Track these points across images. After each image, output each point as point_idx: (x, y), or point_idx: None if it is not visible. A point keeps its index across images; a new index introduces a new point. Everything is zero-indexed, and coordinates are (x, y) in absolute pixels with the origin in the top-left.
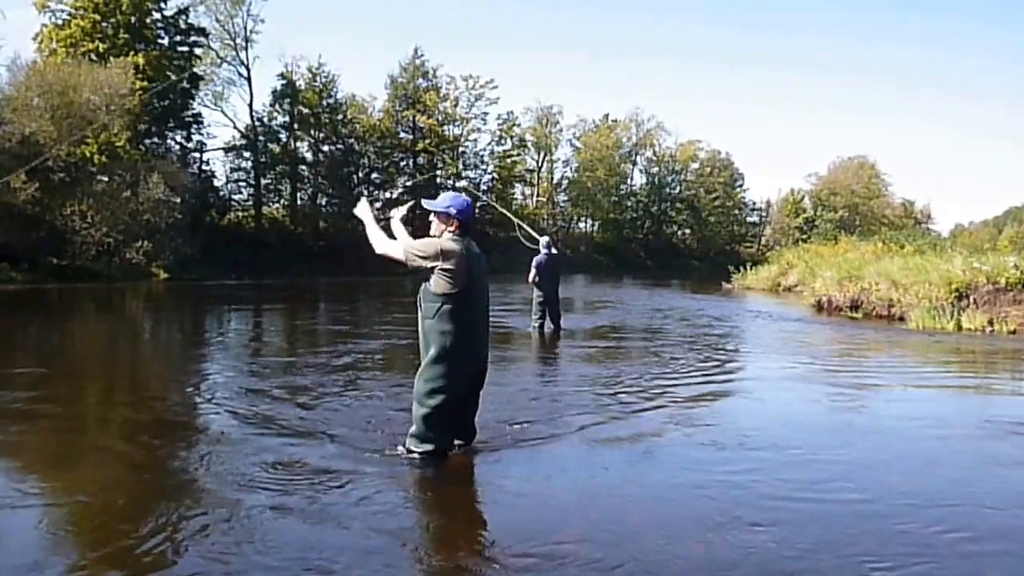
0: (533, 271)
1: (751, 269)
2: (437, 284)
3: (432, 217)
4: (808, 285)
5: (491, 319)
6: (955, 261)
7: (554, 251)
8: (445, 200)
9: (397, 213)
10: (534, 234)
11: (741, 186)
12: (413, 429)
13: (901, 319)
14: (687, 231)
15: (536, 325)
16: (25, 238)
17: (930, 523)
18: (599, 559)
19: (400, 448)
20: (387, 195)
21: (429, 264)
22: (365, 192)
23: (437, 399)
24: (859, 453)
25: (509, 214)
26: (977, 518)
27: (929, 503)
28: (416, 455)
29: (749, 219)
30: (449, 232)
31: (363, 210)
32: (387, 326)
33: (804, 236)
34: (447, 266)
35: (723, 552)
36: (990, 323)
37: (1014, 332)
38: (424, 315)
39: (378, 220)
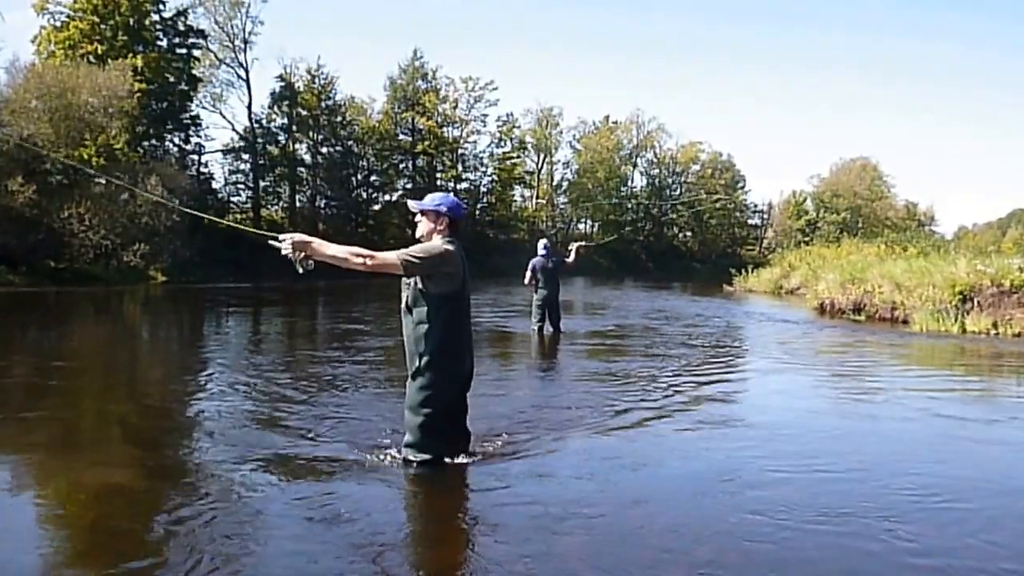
0: (528, 274)
1: (753, 271)
2: (438, 286)
3: (419, 217)
4: (810, 288)
5: (492, 321)
6: (959, 263)
7: (577, 251)
8: (435, 199)
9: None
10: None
11: (743, 188)
12: (409, 438)
13: (904, 322)
14: (688, 233)
15: (536, 327)
16: (23, 241)
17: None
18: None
19: (400, 456)
20: (386, 198)
21: (433, 269)
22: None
23: (432, 406)
24: (847, 438)
25: None
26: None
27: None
28: (415, 463)
29: (751, 221)
30: (439, 232)
31: (300, 238)
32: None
33: (806, 238)
34: (449, 269)
35: (724, 522)
36: (994, 326)
37: (1019, 335)
38: (416, 320)
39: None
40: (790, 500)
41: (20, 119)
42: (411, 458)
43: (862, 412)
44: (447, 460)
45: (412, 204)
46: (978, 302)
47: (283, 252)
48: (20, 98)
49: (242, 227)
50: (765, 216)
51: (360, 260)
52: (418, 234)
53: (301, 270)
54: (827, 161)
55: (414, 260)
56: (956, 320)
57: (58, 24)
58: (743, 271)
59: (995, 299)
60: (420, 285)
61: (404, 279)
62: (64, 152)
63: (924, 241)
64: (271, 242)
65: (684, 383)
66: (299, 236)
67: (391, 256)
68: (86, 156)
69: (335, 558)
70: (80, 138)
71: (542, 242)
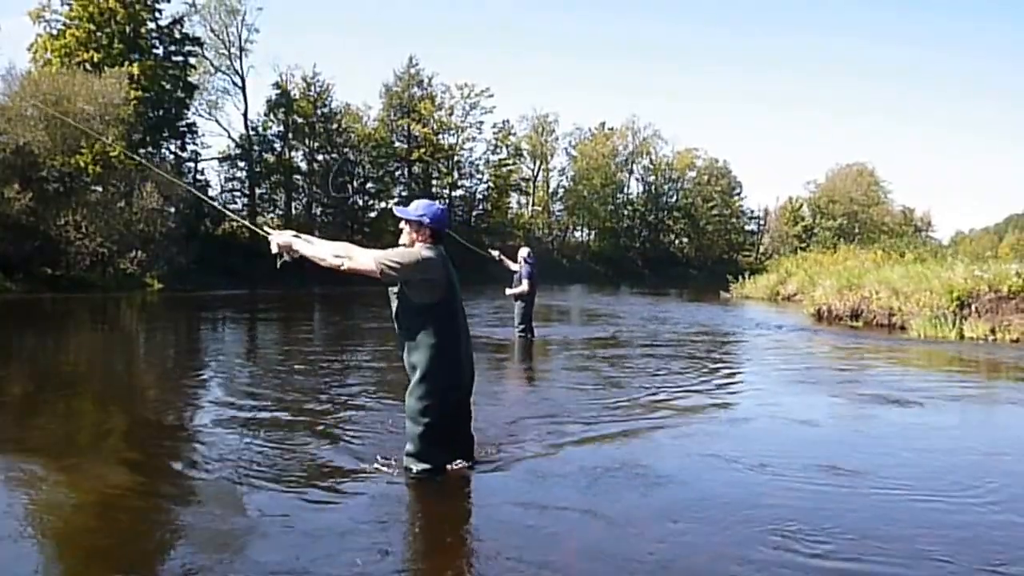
0: (528, 283)
1: (749, 278)
2: (419, 296)
3: (403, 225)
4: (807, 294)
5: (492, 328)
6: (956, 269)
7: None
8: (418, 208)
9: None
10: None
11: (739, 194)
12: (410, 448)
13: (902, 328)
14: (685, 240)
15: (522, 334)
16: (20, 248)
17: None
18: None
19: (402, 464)
20: (382, 205)
21: (408, 275)
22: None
23: (431, 415)
24: (845, 440)
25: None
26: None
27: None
28: (415, 473)
29: (747, 228)
30: (421, 241)
31: (284, 239)
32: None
33: (803, 244)
34: (428, 276)
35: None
36: (992, 332)
37: (1017, 341)
38: (405, 329)
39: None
40: (793, 509)
41: (16, 127)
42: (412, 467)
43: (856, 414)
44: (448, 468)
45: (397, 211)
46: (976, 308)
47: (271, 246)
48: (16, 106)
49: (237, 218)
50: (761, 222)
51: (338, 262)
52: (401, 241)
53: (279, 263)
54: (823, 167)
55: (391, 265)
56: (954, 326)
57: (54, 32)
58: (740, 277)
59: (993, 305)
60: (403, 294)
61: (390, 288)
62: (60, 160)
63: (921, 247)
64: (264, 234)
65: (682, 389)
66: (284, 237)
67: (369, 261)
68: (82, 164)
69: (334, 567)
70: (76, 146)
71: (527, 250)
